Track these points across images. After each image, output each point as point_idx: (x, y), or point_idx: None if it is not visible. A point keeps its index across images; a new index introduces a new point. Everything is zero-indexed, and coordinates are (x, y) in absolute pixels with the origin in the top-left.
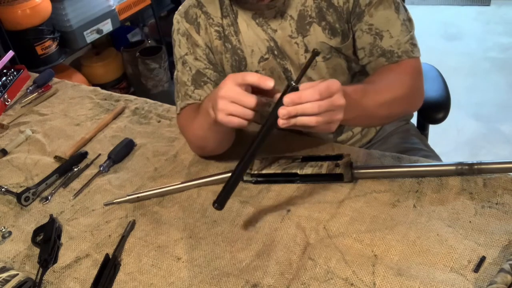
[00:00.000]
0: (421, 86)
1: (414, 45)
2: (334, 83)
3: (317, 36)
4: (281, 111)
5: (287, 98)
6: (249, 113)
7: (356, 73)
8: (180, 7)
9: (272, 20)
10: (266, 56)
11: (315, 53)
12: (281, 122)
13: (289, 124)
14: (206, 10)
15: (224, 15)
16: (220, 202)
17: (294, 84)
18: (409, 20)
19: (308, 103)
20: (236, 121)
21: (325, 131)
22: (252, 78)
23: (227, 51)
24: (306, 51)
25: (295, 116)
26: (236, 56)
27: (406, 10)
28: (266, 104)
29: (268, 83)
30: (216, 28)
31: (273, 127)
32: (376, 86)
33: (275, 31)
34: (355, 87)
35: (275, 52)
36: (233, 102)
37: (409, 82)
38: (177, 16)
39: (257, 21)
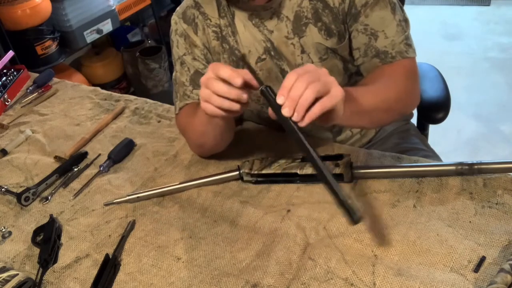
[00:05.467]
0: (416, 87)
1: (409, 45)
2: (308, 65)
3: (313, 37)
4: (283, 112)
5: (280, 99)
6: (216, 99)
7: (353, 74)
8: (177, 8)
9: (268, 21)
10: (263, 56)
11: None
12: (295, 117)
13: (300, 114)
14: (203, 11)
15: (221, 15)
16: (353, 214)
17: (263, 87)
18: (405, 20)
19: (295, 84)
20: (209, 108)
21: (327, 118)
22: (224, 73)
23: (224, 51)
24: (303, 51)
25: (296, 104)
26: (233, 56)
27: (402, 10)
28: (241, 94)
29: (236, 80)
30: (214, 28)
31: (293, 130)
32: (369, 88)
33: (271, 32)
34: (347, 87)
35: (272, 53)
36: (206, 87)
37: (403, 84)
38: (174, 17)
39: (253, 22)
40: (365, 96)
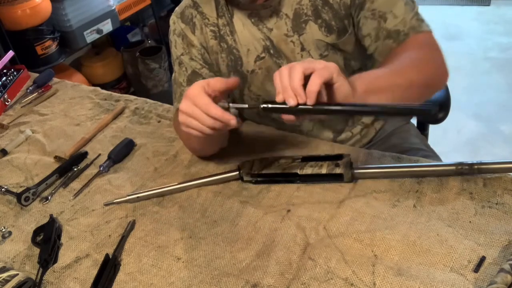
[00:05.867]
0: (438, 56)
1: (420, 20)
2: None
3: (313, 34)
4: (290, 103)
5: (278, 98)
6: (200, 128)
7: (355, 71)
8: (176, 8)
9: (267, 19)
10: (262, 55)
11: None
12: (300, 99)
13: (300, 94)
14: (201, 10)
15: (219, 15)
16: (427, 111)
17: (262, 105)
18: (412, 0)
19: (280, 77)
20: (194, 133)
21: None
22: (204, 106)
23: (222, 50)
24: (302, 49)
25: (291, 90)
26: (231, 55)
27: None
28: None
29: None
30: (212, 28)
31: (315, 109)
32: (385, 66)
33: (271, 30)
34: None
35: (271, 51)
36: (188, 116)
37: (420, 55)
38: (173, 17)
39: (252, 20)
40: (380, 73)
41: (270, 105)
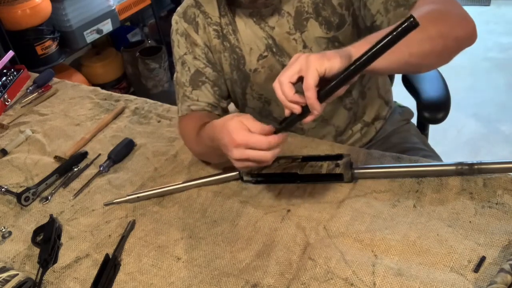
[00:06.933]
0: (454, 8)
1: None
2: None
3: (314, 31)
4: (296, 112)
5: (286, 112)
6: (257, 164)
7: None
8: (178, 8)
9: (269, 17)
10: (265, 54)
11: None
12: (303, 102)
13: (297, 100)
14: (204, 10)
15: (222, 14)
16: (407, 23)
17: (280, 125)
18: None
19: (276, 91)
20: (252, 166)
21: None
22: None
23: (225, 49)
24: (305, 46)
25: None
26: (234, 54)
27: None
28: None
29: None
30: (215, 27)
31: (324, 94)
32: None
33: (273, 28)
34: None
35: (274, 50)
36: (248, 148)
37: (431, 7)
38: (175, 17)
39: (254, 19)
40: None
41: (284, 124)
